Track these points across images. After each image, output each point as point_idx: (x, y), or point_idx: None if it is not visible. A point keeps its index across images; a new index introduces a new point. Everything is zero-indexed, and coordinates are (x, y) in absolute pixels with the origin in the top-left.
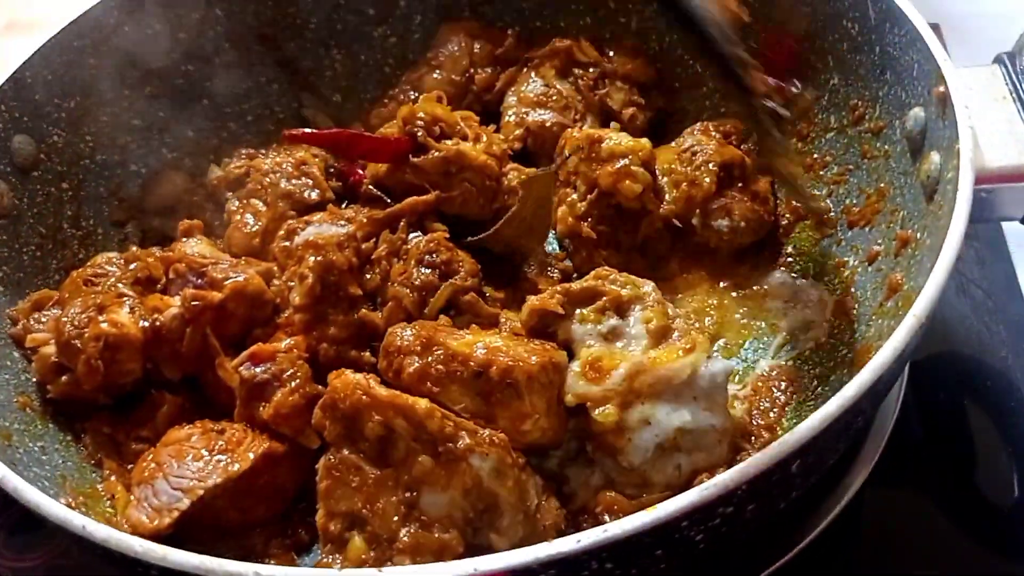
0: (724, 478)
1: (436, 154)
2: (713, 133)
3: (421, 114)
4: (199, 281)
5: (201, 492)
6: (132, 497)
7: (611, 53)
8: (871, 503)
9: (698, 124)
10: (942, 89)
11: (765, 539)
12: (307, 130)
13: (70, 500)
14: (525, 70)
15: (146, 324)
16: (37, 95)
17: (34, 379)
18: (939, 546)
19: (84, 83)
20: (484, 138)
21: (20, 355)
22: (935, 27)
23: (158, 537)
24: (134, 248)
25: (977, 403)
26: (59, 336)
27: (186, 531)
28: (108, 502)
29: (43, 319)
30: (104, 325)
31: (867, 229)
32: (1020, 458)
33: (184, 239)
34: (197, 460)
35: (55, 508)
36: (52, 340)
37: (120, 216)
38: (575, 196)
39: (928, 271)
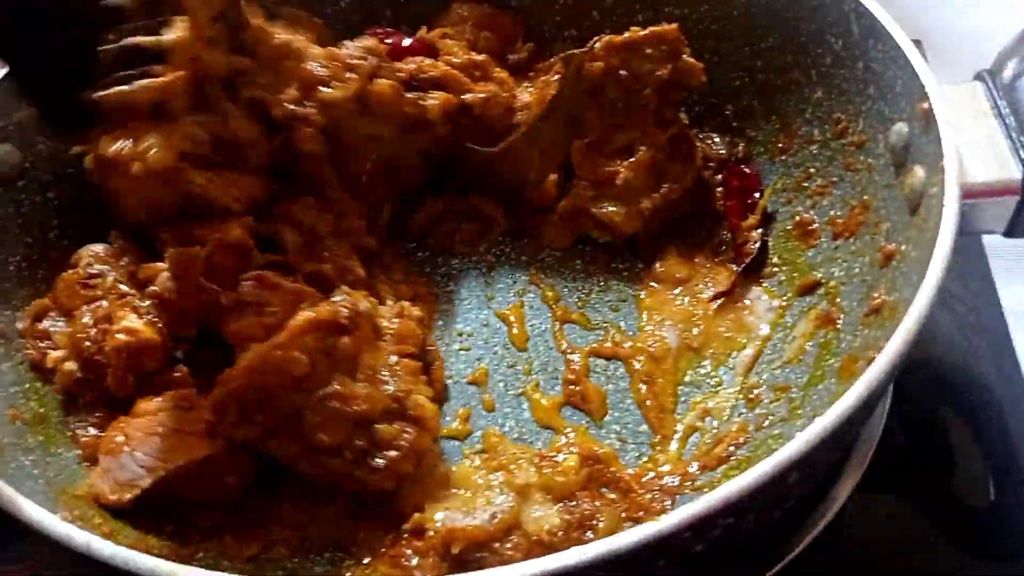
0: (726, 490)
1: None
2: None
3: None
4: None
5: (163, 473)
6: (99, 466)
7: None
8: (856, 510)
9: None
10: (925, 105)
11: (758, 548)
12: None
13: (66, 514)
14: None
15: (158, 323)
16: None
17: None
18: (919, 549)
19: None
20: None
21: (8, 367)
22: (917, 43)
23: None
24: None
25: (956, 411)
26: (79, 354)
27: (150, 501)
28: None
29: (52, 328)
30: (121, 336)
31: (851, 240)
32: (996, 464)
33: None
34: (164, 439)
35: (58, 526)
36: (71, 357)
37: (103, 224)
38: None
39: (915, 284)
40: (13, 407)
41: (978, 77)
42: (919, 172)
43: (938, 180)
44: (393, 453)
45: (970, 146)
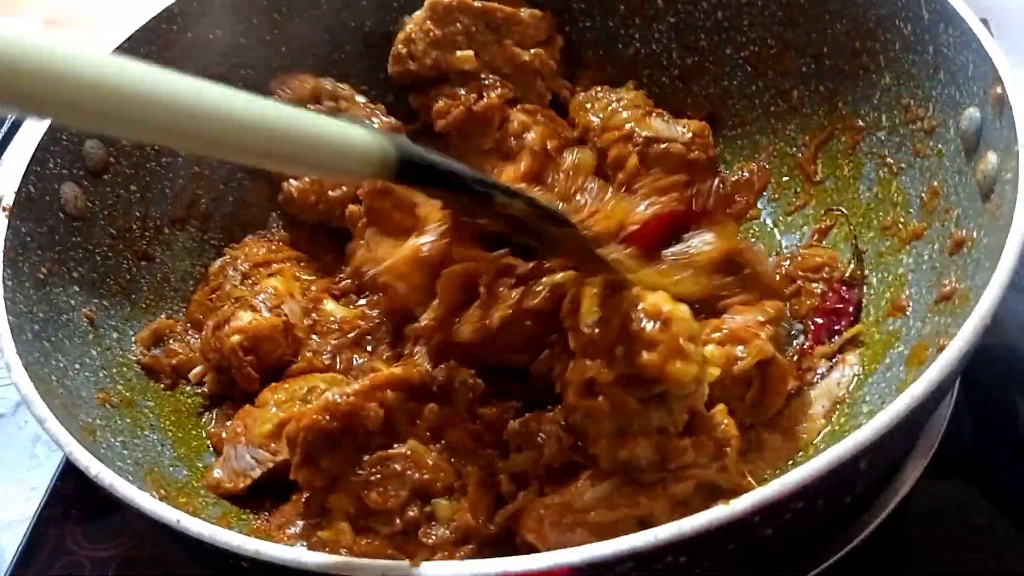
0: (798, 475)
1: None
2: None
3: None
4: None
5: (271, 465)
6: (222, 455)
7: None
8: (922, 496)
9: None
10: (999, 90)
11: (824, 535)
12: None
13: (153, 493)
14: None
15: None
16: None
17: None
18: (988, 538)
19: None
20: None
21: (97, 352)
22: (984, 22)
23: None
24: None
25: None
26: (211, 363)
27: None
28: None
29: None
30: (234, 337)
31: (917, 237)
32: None
33: None
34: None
35: (150, 503)
36: (208, 368)
37: (181, 214)
38: None
39: (988, 270)
40: (103, 391)
41: None
42: (992, 158)
43: (1012, 166)
44: (443, 531)
45: None
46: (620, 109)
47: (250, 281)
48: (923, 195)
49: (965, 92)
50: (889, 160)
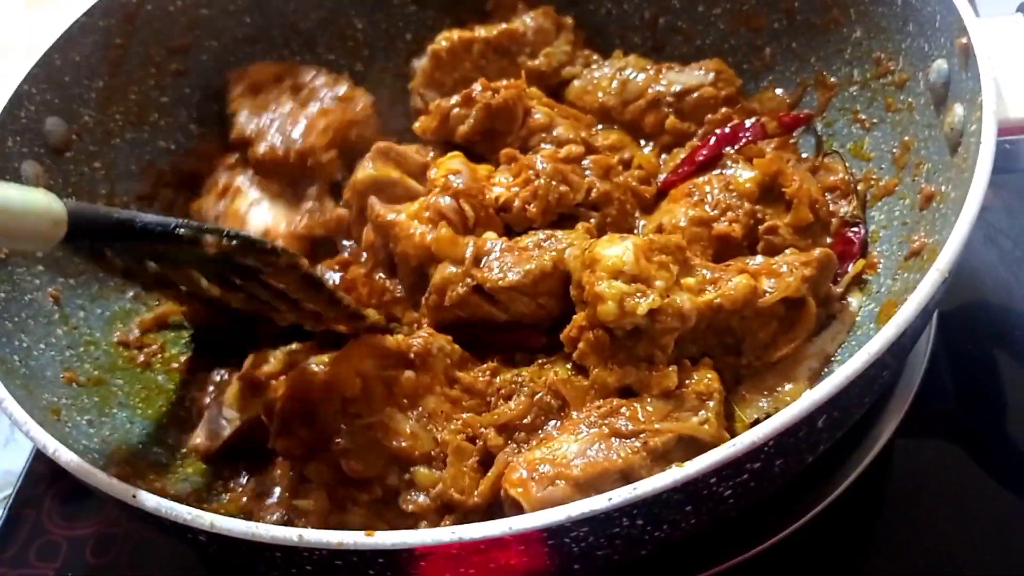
0: (751, 435)
1: None
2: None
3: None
4: None
5: (238, 423)
6: (203, 418)
7: None
8: (901, 454)
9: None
10: (964, 40)
11: (794, 492)
12: None
13: (118, 470)
14: None
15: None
16: (66, 77)
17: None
18: (969, 496)
19: (111, 63)
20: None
21: (63, 332)
22: None
23: (210, 456)
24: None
25: (1007, 352)
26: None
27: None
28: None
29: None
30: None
31: (890, 191)
32: None
33: None
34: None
35: (106, 480)
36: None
37: (148, 190)
38: None
39: (952, 224)
40: (69, 370)
41: (1020, 9)
42: (958, 110)
43: (976, 117)
44: (423, 499)
45: (1010, 81)
46: (629, 79)
47: (221, 217)
48: (895, 150)
49: (933, 44)
50: (862, 116)
